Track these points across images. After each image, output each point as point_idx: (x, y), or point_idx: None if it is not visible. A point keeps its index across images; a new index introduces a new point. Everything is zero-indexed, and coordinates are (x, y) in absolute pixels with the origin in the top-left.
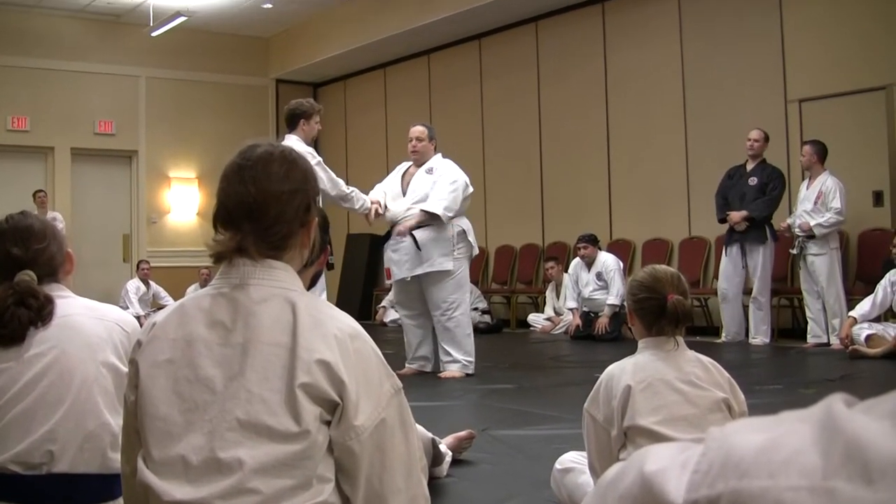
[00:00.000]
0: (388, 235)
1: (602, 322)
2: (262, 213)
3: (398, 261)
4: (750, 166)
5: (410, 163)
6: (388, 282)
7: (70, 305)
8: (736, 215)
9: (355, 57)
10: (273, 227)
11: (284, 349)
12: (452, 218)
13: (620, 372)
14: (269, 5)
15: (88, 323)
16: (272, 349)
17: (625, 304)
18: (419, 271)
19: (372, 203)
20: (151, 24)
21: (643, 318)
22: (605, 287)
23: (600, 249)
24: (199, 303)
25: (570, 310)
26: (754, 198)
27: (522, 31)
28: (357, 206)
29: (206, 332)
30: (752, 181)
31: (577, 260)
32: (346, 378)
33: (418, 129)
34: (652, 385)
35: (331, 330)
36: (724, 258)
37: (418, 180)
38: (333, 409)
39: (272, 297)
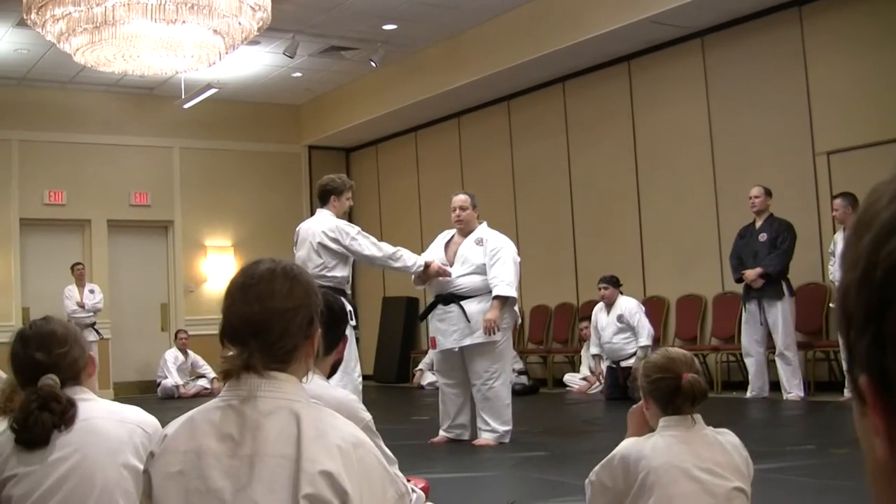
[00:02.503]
0: (433, 305)
1: (638, 366)
2: (266, 331)
3: (445, 330)
4: (758, 223)
5: (453, 231)
6: (432, 350)
7: (92, 409)
8: (751, 273)
9: (386, 122)
10: (278, 342)
11: (289, 461)
12: None
13: (637, 454)
14: (299, 74)
15: (109, 426)
16: (278, 461)
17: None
18: (467, 342)
19: (426, 262)
20: (183, 96)
21: (658, 400)
22: (625, 330)
23: (622, 293)
24: (209, 416)
25: (594, 356)
26: (767, 253)
27: (550, 91)
28: (410, 264)
29: (216, 444)
30: (763, 237)
31: (599, 305)
32: (349, 487)
33: (461, 199)
34: (669, 472)
35: (334, 441)
36: (743, 315)
37: (468, 250)
38: None
39: (278, 410)
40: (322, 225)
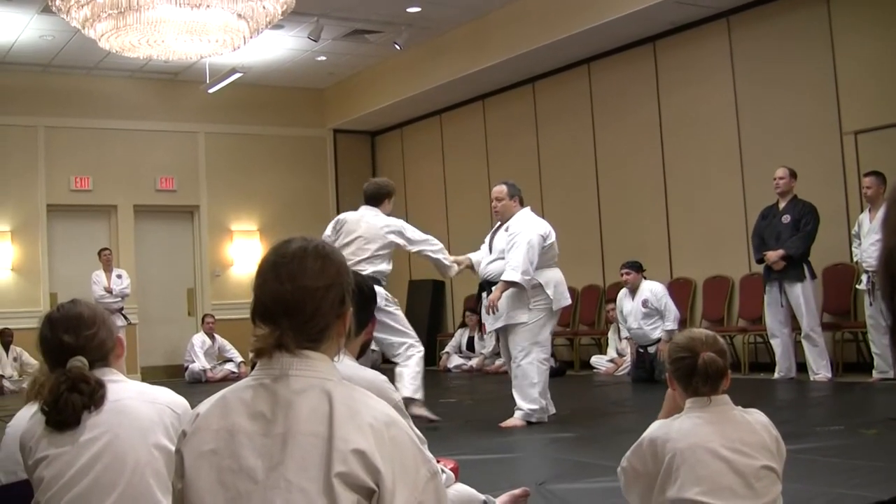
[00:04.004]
0: (480, 291)
1: (663, 348)
2: (298, 310)
3: (486, 316)
4: (782, 204)
5: None
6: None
7: (121, 390)
8: (772, 254)
9: (410, 105)
10: (310, 321)
11: (321, 439)
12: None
13: (665, 435)
14: (324, 58)
15: (140, 407)
16: (310, 439)
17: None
18: (497, 325)
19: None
20: (207, 81)
21: (680, 380)
22: (651, 315)
23: (646, 278)
24: (241, 394)
25: (626, 338)
26: (789, 235)
27: (575, 73)
28: (447, 263)
29: (248, 423)
30: (786, 219)
31: (623, 291)
32: (382, 466)
33: (497, 189)
34: (696, 453)
35: (366, 419)
36: (766, 297)
37: (499, 238)
38: (370, 496)
39: (310, 388)
40: (380, 220)
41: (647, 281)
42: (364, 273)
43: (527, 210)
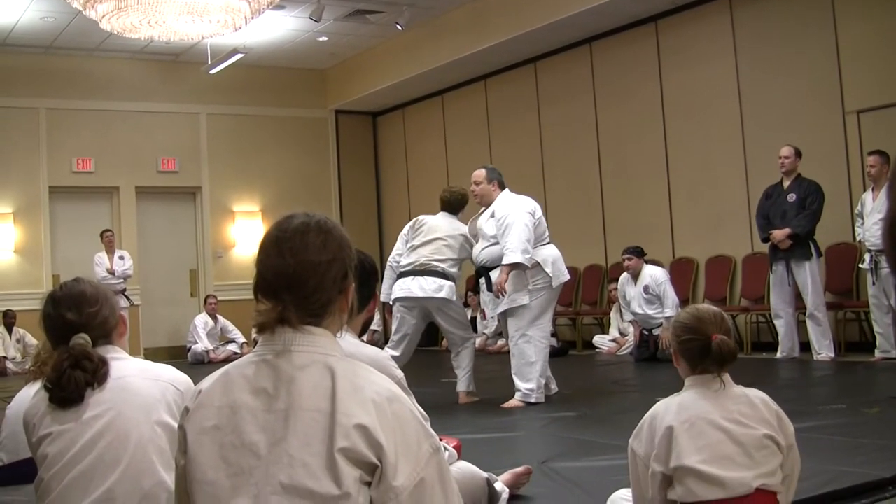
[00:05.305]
0: (478, 278)
1: (664, 336)
2: (301, 284)
3: (486, 302)
4: (786, 183)
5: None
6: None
7: (124, 367)
8: (779, 233)
9: (412, 85)
10: (312, 296)
11: (324, 415)
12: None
13: (664, 411)
14: (325, 38)
15: (142, 384)
16: (312, 415)
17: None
18: (500, 310)
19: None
20: (209, 62)
21: (688, 359)
22: (653, 301)
23: (647, 263)
24: (243, 370)
25: (630, 322)
26: (795, 214)
27: (577, 52)
28: None
29: (251, 398)
30: (791, 198)
31: (624, 275)
32: (384, 441)
33: (476, 173)
34: (695, 425)
35: (368, 394)
36: (771, 277)
37: (485, 223)
38: (373, 471)
39: (312, 364)
40: (460, 227)
41: (649, 266)
42: None
43: (507, 192)
